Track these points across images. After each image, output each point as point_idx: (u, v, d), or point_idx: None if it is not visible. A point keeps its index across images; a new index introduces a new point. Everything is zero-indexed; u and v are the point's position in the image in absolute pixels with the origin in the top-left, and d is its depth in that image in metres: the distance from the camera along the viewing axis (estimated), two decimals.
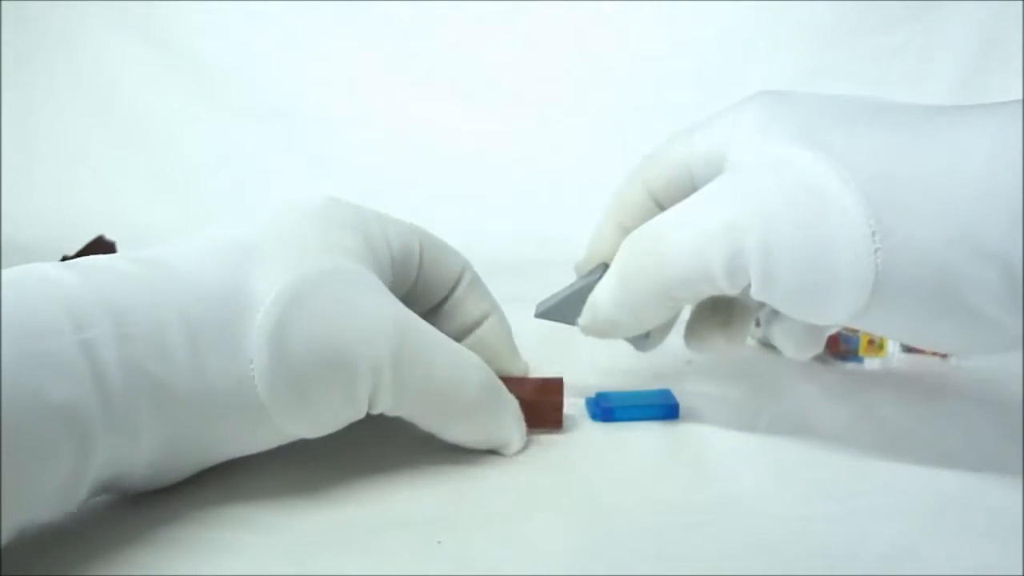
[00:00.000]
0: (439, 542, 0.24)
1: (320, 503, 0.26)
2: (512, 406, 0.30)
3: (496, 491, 0.27)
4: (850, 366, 0.39)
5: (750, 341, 0.43)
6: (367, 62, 0.87)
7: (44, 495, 0.21)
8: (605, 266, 0.32)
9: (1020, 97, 0.23)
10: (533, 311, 0.33)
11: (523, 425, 0.30)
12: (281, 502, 0.26)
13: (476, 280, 0.33)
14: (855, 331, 0.39)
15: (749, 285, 0.26)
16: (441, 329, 0.29)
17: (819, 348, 0.31)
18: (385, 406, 0.27)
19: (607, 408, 0.33)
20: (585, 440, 0.32)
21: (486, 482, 0.28)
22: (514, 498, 0.27)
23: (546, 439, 0.31)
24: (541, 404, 0.31)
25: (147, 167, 0.88)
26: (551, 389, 0.32)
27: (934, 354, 0.40)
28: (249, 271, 0.25)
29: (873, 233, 0.23)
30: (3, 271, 0.23)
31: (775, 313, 0.30)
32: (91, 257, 0.25)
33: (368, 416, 0.28)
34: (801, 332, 0.30)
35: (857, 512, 0.25)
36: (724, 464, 0.29)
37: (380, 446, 0.30)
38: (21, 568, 0.21)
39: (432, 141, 0.85)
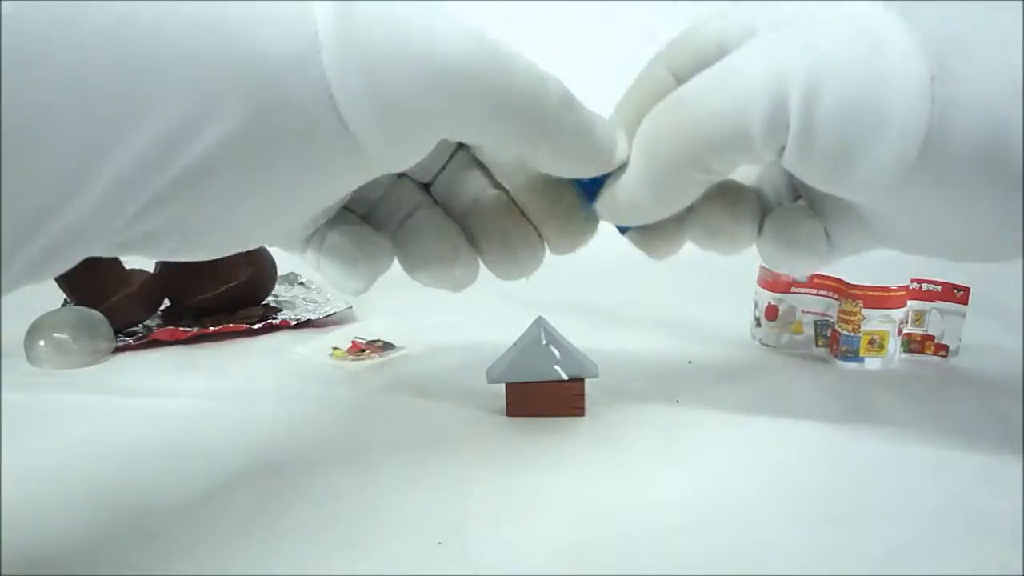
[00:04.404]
0: (439, 542, 0.24)
1: (320, 503, 0.26)
2: (602, 120, 0.26)
3: (496, 491, 0.27)
4: (850, 366, 0.39)
5: (751, 341, 0.43)
6: None
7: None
8: (542, 320, 0.34)
9: None
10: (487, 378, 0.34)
11: (620, 134, 0.26)
12: (281, 503, 0.26)
13: None
14: (855, 331, 0.39)
15: (783, 151, 0.24)
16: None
17: (816, 260, 0.29)
18: (474, 122, 0.23)
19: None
20: (585, 440, 0.32)
21: (486, 482, 0.28)
22: (514, 498, 0.27)
23: (545, 439, 0.31)
24: (565, 390, 0.33)
25: None
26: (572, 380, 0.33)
27: (934, 354, 0.40)
28: None
29: (933, 78, 0.21)
30: None
31: (777, 218, 0.28)
32: None
33: (369, 416, 0.27)
34: (800, 231, 0.28)
35: (857, 512, 0.25)
36: (724, 464, 0.29)
37: (380, 447, 0.30)
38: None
39: None
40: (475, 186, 0.28)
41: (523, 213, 0.28)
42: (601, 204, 0.27)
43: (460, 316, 0.51)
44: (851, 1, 0.23)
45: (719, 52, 0.26)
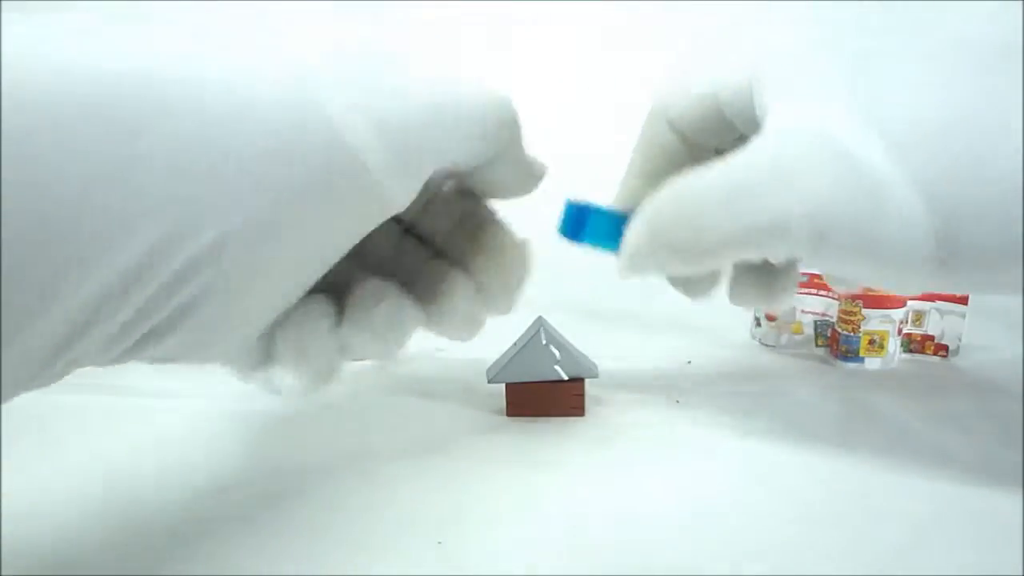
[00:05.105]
0: (439, 542, 0.24)
1: (320, 503, 0.26)
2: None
3: (496, 491, 0.27)
4: (850, 366, 0.39)
5: (751, 341, 0.43)
6: None
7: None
8: (542, 320, 0.34)
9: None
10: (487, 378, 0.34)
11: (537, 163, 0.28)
12: (281, 503, 0.26)
13: None
14: (855, 331, 0.39)
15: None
16: None
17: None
18: (462, 145, 0.24)
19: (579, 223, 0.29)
20: (585, 440, 0.32)
21: (486, 482, 0.28)
22: (514, 498, 0.27)
23: (545, 439, 0.31)
24: (564, 390, 0.33)
25: None
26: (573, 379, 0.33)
27: (934, 354, 0.40)
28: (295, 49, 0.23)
29: (934, 227, 0.21)
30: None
31: None
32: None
33: (369, 416, 0.27)
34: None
35: (857, 512, 0.25)
36: (723, 464, 0.29)
37: (380, 447, 0.30)
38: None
39: None
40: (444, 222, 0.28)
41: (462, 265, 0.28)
42: (621, 266, 0.27)
43: None
44: (840, 129, 0.23)
45: (715, 106, 0.27)
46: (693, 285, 0.29)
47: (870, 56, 0.24)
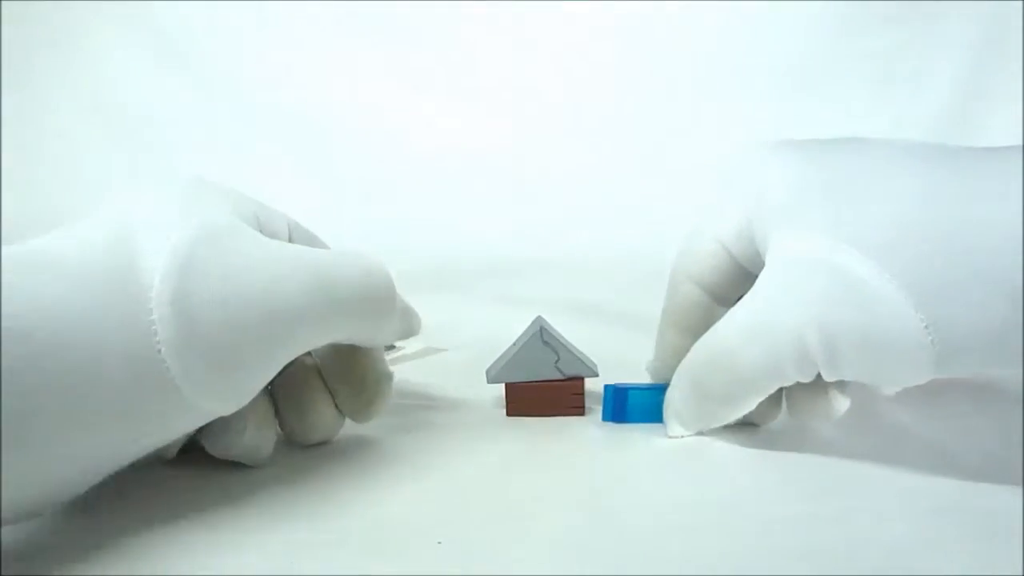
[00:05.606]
0: (439, 542, 0.24)
1: (320, 503, 0.26)
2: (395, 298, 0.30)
3: (496, 491, 0.27)
4: None
5: None
6: (369, 62, 0.87)
7: None
8: (540, 319, 0.34)
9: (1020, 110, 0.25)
10: (486, 378, 0.34)
11: (414, 315, 0.32)
12: (280, 502, 0.26)
13: None
14: None
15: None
16: None
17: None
18: (314, 342, 0.27)
19: (620, 407, 0.32)
20: (586, 440, 0.32)
21: (486, 482, 0.28)
22: (514, 498, 0.27)
23: (545, 439, 0.31)
24: (564, 389, 0.33)
25: (146, 169, 0.89)
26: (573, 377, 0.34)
27: None
28: (129, 243, 0.24)
29: (926, 326, 0.24)
30: None
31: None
32: None
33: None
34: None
35: (857, 513, 0.25)
36: (724, 464, 0.29)
37: (380, 447, 0.30)
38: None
39: (431, 141, 0.85)
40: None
41: (323, 381, 0.30)
42: (672, 433, 0.31)
43: (460, 316, 0.51)
44: (830, 247, 0.26)
45: (726, 255, 0.31)
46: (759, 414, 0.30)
47: (847, 178, 0.27)
